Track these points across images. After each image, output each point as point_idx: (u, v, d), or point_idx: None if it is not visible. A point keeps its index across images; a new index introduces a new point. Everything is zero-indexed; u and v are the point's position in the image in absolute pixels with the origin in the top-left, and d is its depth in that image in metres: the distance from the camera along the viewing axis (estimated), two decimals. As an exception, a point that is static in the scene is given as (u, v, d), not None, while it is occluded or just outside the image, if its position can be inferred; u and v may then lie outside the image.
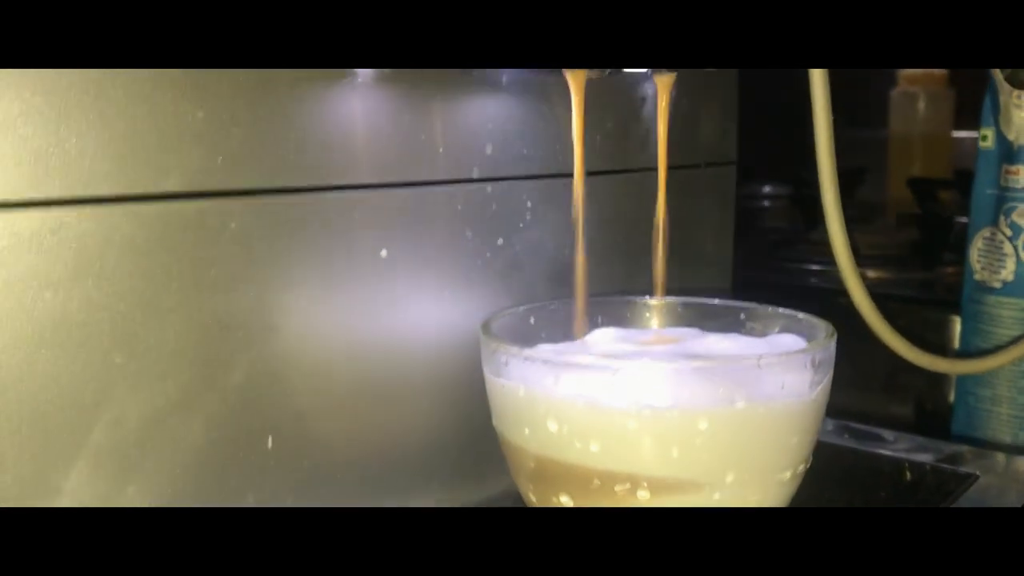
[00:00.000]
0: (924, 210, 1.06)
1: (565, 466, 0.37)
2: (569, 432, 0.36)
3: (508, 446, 0.40)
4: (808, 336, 0.42)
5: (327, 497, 0.43)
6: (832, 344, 0.39)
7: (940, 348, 0.78)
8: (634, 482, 0.36)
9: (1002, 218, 0.66)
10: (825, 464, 0.54)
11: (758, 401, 0.35)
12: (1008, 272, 0.66)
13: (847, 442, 0.58)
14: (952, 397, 0.76)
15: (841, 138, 0.52)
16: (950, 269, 0.95)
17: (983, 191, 0.68)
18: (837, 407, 0.76)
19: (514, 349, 0.38)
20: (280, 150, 0.39)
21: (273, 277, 0.40)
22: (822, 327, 0.41)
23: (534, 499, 0.40)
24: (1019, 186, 0.65)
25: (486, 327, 0.41)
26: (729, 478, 0.36)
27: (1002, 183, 0.66)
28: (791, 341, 0.43)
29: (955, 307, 0.71)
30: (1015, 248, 0.65)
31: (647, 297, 0.48)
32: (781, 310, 0.44)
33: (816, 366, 0.37)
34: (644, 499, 0.36)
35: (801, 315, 0.43)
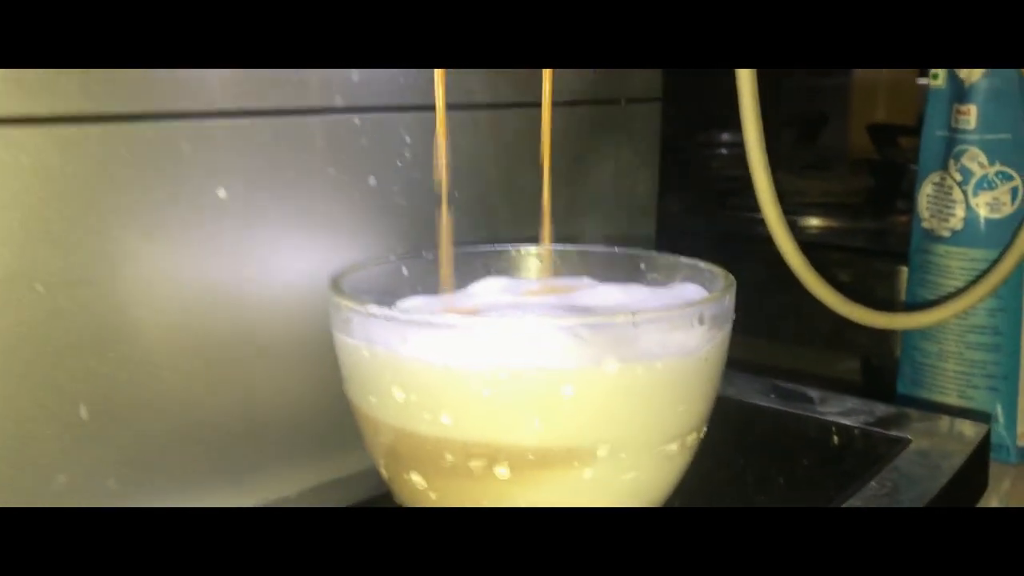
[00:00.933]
0: (882, 156, 1.01)
1: (414, 439, 0.32)
2: (417, 400, 0.31)
3: (358, 416, 0.35)
4: (711, 287, 0.37)
5: (156, 479, 0.38)
6: (728, 298, 0.34)
7: (889, 302, 0.73)
8: (491, 457, 0.31)
9: (951, 162, 0.61)
10: (744, 427, 0.50)
11: (634, 362, 0.30)
12: (957, 220, 0.61)
13: (772, 403, 0.53)
14: (899, 353, 0.73)
15: (803, 85, 0.46)
16: (902, 218, 0.90)
17: (933, 133, 0.63)
18: (774, 365, 0.72)
19: (356, 304, 0.32)
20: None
21: (85, 221, 0.34)
22: (721, 277, 0.36)
23: (386, 475, 0.35)
24: (970, 127, 0.60)
25: (337, 280, 0.36)
26: (602, 451, 0.31)
27: (952, 124, 0.61)
28: (694, 292, 0.38)
29: (905, 258, 0.68)
30: (964, 194, 0.61)
31: (538, 245, 0.42)
32: (683, 259, 0.39)
33: (707, 322, 0.32)
34: (504, 477, 0.31)
35: (703, 264, 0.38)
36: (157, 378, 0.37)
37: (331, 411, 0.42)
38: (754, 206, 0.95)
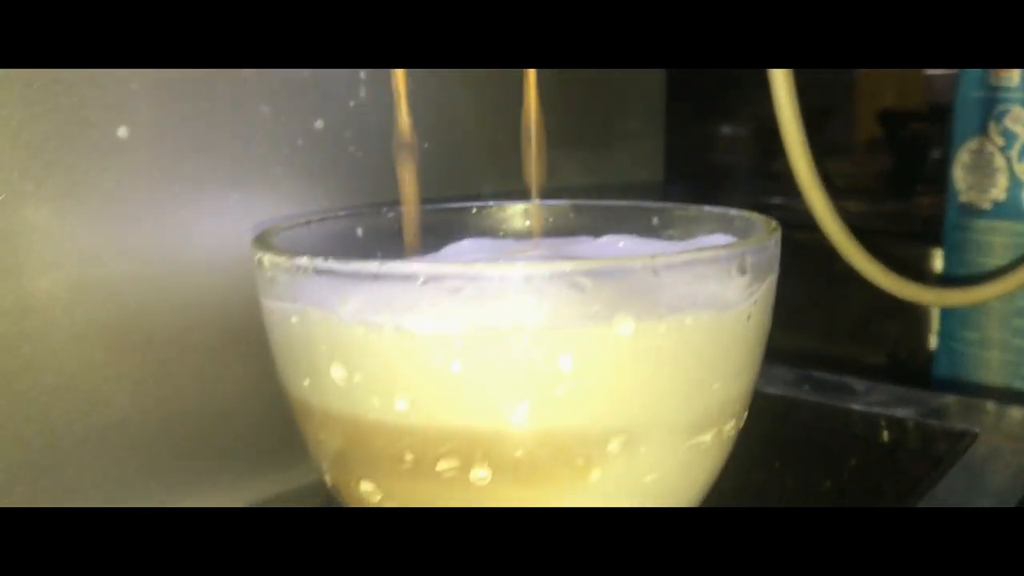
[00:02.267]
0: (896, 142, 0.95)
1: (362, 434, 0.24)
2: (363, 380, 0.23)
3: (292, 407, 0.26)
4: (747, 236, 0.29)
5: (52, 491, 0.30)
6: (773, 242, 0.26)
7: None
8: (465, 455, 0.23)
9: (992, 125, 0.54)
10: (779, 423, 0.42)
11: (655, 323, 0.22)
12: (999, 190, 0.54)
13: (808, 395, 0.45)
14: (932, 343, 0.65)
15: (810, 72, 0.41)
16: (926, 199, 0.84)
17: (968, 95, 0.56)
18: (798, 356, 0.63)
19: (282, 259, 0.24)
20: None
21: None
22: (762, 223, 0.28)
23: (332, 484, 0.26)
24: (1013, 84, 0.53)
25: (264, 234, 0.28)
26: (614, 445, 0.23)
27: (992, 82, 0.54)
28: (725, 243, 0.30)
29: (933, 239, 0.61)
30: (1008, 160, 0.53)
31: (524, 201, 0.34)
32: (707, 208, 0.31)
33: (749, 271, 0.24)
34: (482, 482, 0.23)
35: (735, 211, 0.30)
36: (52, 368, 0.29)
37: (272, 410, 0.34)
38: (759, 191, 0.88)
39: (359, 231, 0.32)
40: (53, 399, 0.29)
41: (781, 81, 0.40)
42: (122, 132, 0.30)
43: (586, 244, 0.32)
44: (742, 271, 0.24)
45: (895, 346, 0.71)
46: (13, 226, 0.28)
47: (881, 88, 1.13)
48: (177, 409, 0.32)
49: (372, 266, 0.22)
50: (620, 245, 0.30)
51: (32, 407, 0.29)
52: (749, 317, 0.24)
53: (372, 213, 0.32)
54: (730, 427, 0.26)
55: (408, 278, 0.22)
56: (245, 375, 0.33)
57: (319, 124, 0.34)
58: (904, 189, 0.87)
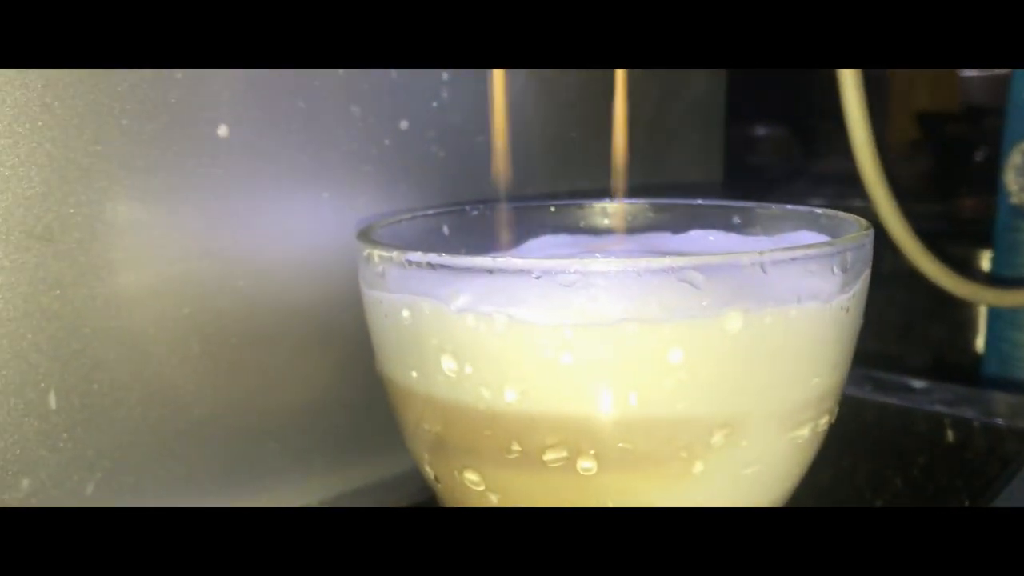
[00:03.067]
0: (937, 143, 0.95)
1: (470, 425, 0.24)
2: (474, 372, 0.24)
3: (395, 399, 0.27)
4: (836, 234, 0.29)
5: (143, 487, 0.31)
6: (868, 240, 0.26)
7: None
8: (572, 447, 0.24)
9: (1046, 127, 0.54)
10: (844, 421, 0.42)
11: (762, 316, 0.23)
12: (1054, 192, 0.54)
13: (870, 394, 0.46)
14: (979, 346, 0.65)
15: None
16: (968, 200, 0.84)
17: (1022, 95, 0.56)
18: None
19: (393, 252, 0.25)
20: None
21: (61, 168, 0.27)
22: (852, 222, 0.28)
23: (431, 474, 0.27)
24: (1070, 81, 0.53)
25: (367, 229, 0.28)
26: (717, 439, 0.24)
27: (1046, 83, 0.54)
28: (809, 240, 0.30)
29: (982, 239, 0.61)
30: (1063, 162, 0.53)
31: (606, 200, 0.35)
32: (790, 207, 0.32)
33: (847, 269, 0.25)
34: (588, 473, 0.24)
35: (820, 211, 0.30)
36: (144, 362, 0.30)
37: (365, 403, 0.35)
38: (802, 192, 0.88)
39: (445, 228, 0.33)
40: (141, 394, 0.30)
41: (850, 81, 0.41)
42: (222, 131, 0.30)
43: (671, 239, 0.32)
44: (843, 268, 0.24)
45: (941, 348, 0.71)
46: (109, 222, 0.29)
47: (917, 89, 1.13)
48: (267, 406, 0.33)
49: (487, 261, 0.23)
50: (710, 239, 0.31)
51: (124, 402, 0.30)
52: (847, 310, 0.25)
53: (456, 211, 0.33)
54: (824, 422, 0.26)
55: (523, 272, 0.23)
56: (336, 371, 0.34)
57: (404, 124, 0.35)
58: (947, 190, 0.87)
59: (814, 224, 0.30)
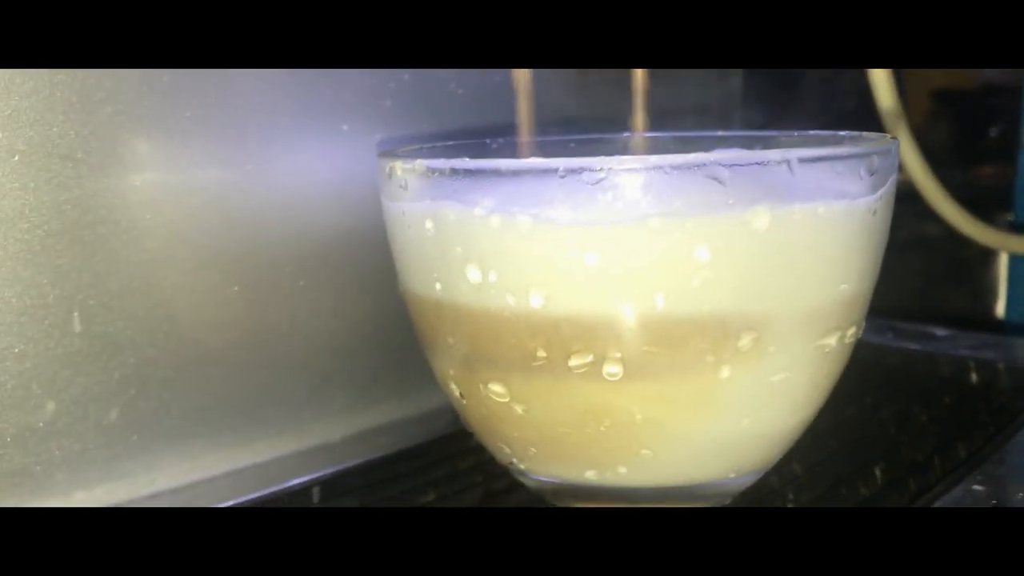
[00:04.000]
0: (952, 117, 0.94)
1: (495, 334, 0.24)
2: (499, 279, 0.24)
3: (419, 315, 0.27)
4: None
5: (167, 411, 0.31)
6: (895, 146, 0.26)
7: (983, 252, 0.65)
8: (598, 351, 0.23)
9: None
10: (870, 367, 0.42)
11: (789, 212, 0.23)
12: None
13: (893, 341, 0.45)
14: (998, 308, 0.65)
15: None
16: (987, 170, 0.83)
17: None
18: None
19: (417, 163, 0.25)
20: None
21: (82, 85, 0.27)
22: (878, 136, 0.28)
23: (456, 391, 0.27)
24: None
25: (388, 151, 0.28)
26: (745, 341, 0.23)
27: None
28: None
29: (1001, 204, 0.61)
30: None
31: (626, 133, 0.35)
32: (812, 132, 0.31)
33: (874, 173, 0.24)
34: (614, 378, 0.24)
35: (844, 133, 0.30)
36: (165, 291, 0.30)
37: (389, 339, 0.35)
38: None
39: (465, 159, 0.32)
40: (166, 324, 0.30)
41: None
42: (242, 58, 0.30)
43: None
44: (870, 171, 0.24)
45: (962, 310, 0.70)
46: (130, 145, 0.29)
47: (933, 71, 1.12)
48: (289, 339, 0.33)
49: (512, 163, 0.23)
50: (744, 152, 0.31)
51: (145, 330, 0.30)
52: (875, 212, 0.24)
53: (476, 142, 0.33)
54: (851, 333, 0.26)
55: (547, 172, 0.23)
56: (359, 303, 0.34)
57: (422, 59, 0.35)
58: (966, 159, 0.87)
59: (838, 144, 0.30)
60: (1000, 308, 0.65)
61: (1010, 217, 0.61)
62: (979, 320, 0.68)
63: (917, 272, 0.71)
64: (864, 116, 0.55)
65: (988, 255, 0.64)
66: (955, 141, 0.94)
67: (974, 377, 0.41)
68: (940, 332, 0.46)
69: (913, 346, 0.44)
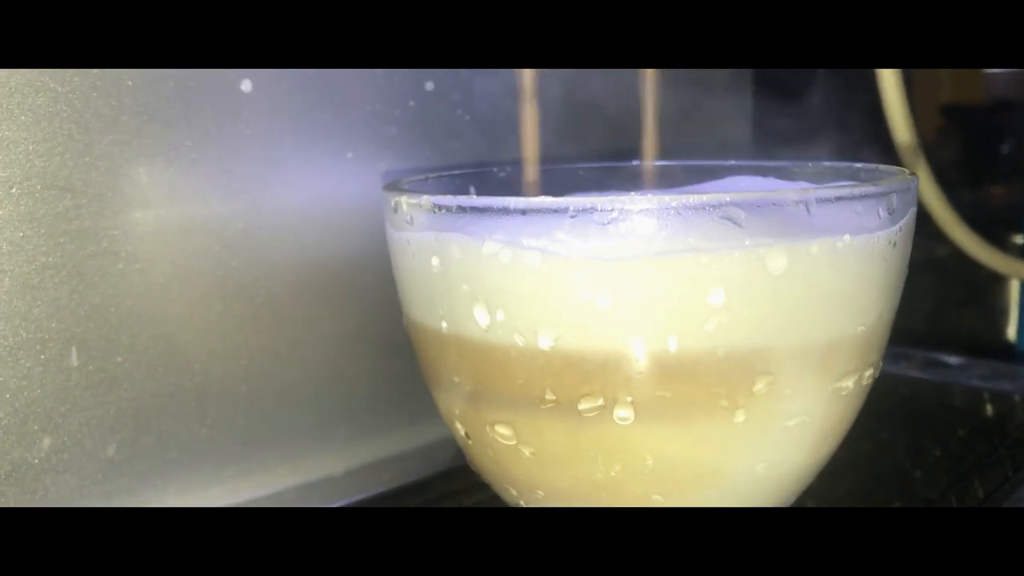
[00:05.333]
0: (962, 135, 0.94)
1: (503, 375, 0.24)
2: (507, 318, 0.23)
3: (422, 348, 0.26)
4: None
5: (165, 446, 0.30)
6: (914, 185, 0.25)
7: (994, 273, 0.65)
8: (608, 395, 0.23)
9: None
10: (882, 397, 0.41)
11: (807, 247, 0.22)
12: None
13: (906, 370, 0.45)
14: (1011, 333, 0.64)
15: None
16: (997, 190, 0.83)
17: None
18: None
19: (422, 198, 0.24)
20: None
21: (80, 118, 0.27)
22: (893, 172, 0.27)
23: (462, 431, 0.26)
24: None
25: (394, 183, 0.28)
26: (759, 386, 0.23)
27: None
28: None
29: (1012, 225, 0.61)
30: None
31: (635, 161, 0.34)
32: (827, 164, 0.31)
33: (893, 212, 0.24)
34: (625, 422, 0.23)
35: (860, 165, 0.30)
36: (165, 322, 0.30)
37: (391, 369, 0.34)
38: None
39: (472, 189, 0.32)
40: (163, 352, 0.30)
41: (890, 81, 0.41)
42: (246, 86, 0.30)
43: (708, 185, 0.32)
44: (889, 210, 0.23)
45: (974, 335, 0.70)
46: (130, 176, 0.28)
47: (943, 84, 1.11)
48: (290, 370, 0.33)
49: (520, 201, 0.22)
50: (749, 184, 0.30)
51: (143, 363, 0.29)
52: (895, 244, 0.24)
53: (482, 171, 0.32)
54: (869, 375, 0.25)
55: (557, 212, 0.22)
56: (361, 335, 0.33)
57: (430, 86, 0.34)
58: (976, 179, 0.86)
59: (853, 178, 0.29)
60: (1011, 333, 0.64)
61: (1020, 240, 0.61)
62: (989, 346, 0.67)
63: (927, 295, 0.70)
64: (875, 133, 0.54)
65: (1000, 278, 0.63)
66: (965, 160, 0.93)
67: (989, 409, 0.40)
68: (953, 360, 0.46)
69: (927, 376, 0.44)
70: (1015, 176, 0.60)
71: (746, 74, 0.52)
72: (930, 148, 0.99)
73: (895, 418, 0.39)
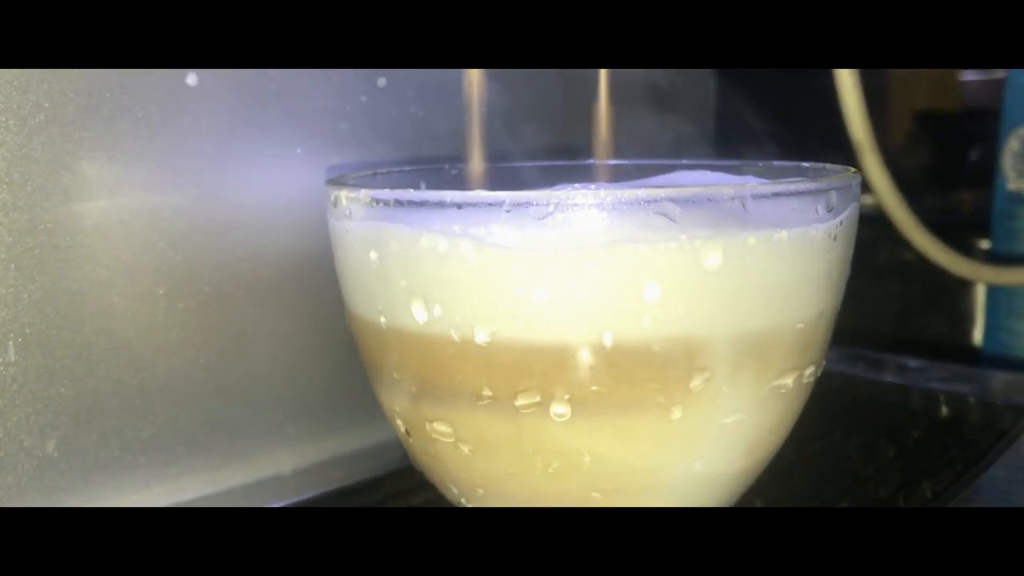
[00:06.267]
0: (932, 141, 0.95)
1: (440, 371, 0.23)
2: (444, 313, 0.23)
3: (364, 346, 0.26)
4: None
5: (107, 443, 0.30)
6: (856, 183, 0.25)
7: (963, 280, 0.65)
8: (544, 391, 0.22)
9: (1043, 110, 0.53)
10: (838, 398, 0.41)
11: (744, 244, 0.22)
12: (1051, 178, 0.53)
13: (863, 372, 0.45)
14: (977, 336, 0.64)
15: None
16: (966, 194, 0.83)
17: (1019, 81, 0.55)
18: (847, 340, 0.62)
19: (361, 192, 0.24)
20: None
21: (21, 111, 0.27)
22: (840, 170, 0.27)
23: (402, 427, 0.26)
24: (1065, 70, 0.52)
25: (338, 178, 0.27)
26: (696, 382, 0.22)
27: (1046, 63, 0.52)
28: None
29: (979, 230, 0.60)
30: (1060, 147, 0.53)
31: (588, 159, 0.34)
32: (777, 163, 0.31)
33: (832, 209, 0.24)
34: (561, 419, 0.23)
35: (808, 164, 0.30)
36: (108, 316, 0.29)
37: (339, 367, 0.34)
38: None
39: (423, 185, 0.32)
40: (108, 351, 0.29)
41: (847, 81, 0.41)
42: (191, 79, 0.30)
43: (657, 179, 0.31)
44: (828, 207, 0.23)
45: (939, 338, 0.70)
46: (72, 169, 0.28)
47: (915, 90, 1.12)
48: (238, 367, 0.32)
49: (457, 195, 0.22)
50: (708, 177, 0.30)
51: (84, 359, 0.29)
52: (835, 237, 0.24)
53: (434, 168, 0.32)
54: (810, 373, 0.25)
55: (493, 205, 0.22)
56: (309, 332, 0.33)
57: (382, 82, 0.34)
58: (945, 185, 0.87)
59: (801, 176, 0.29)
60: (977, 337, 0.64)
61: (986, 245, 0.61)
62: (955, 349, 0.68)
63: (892, 298, 0.70)
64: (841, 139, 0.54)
65: (965, 282, 0.64)
66: (933, 165, 0.94)
67: (944, 411, 0.40)
68: (912, 363, 0.46)
69: (885, 377, 0.44)
70: (981, 182, 0.61)
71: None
72: (899, 153, 0.99)
73: (851, 418, 0.39)
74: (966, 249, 0.67)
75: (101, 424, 0.29)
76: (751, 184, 0.22)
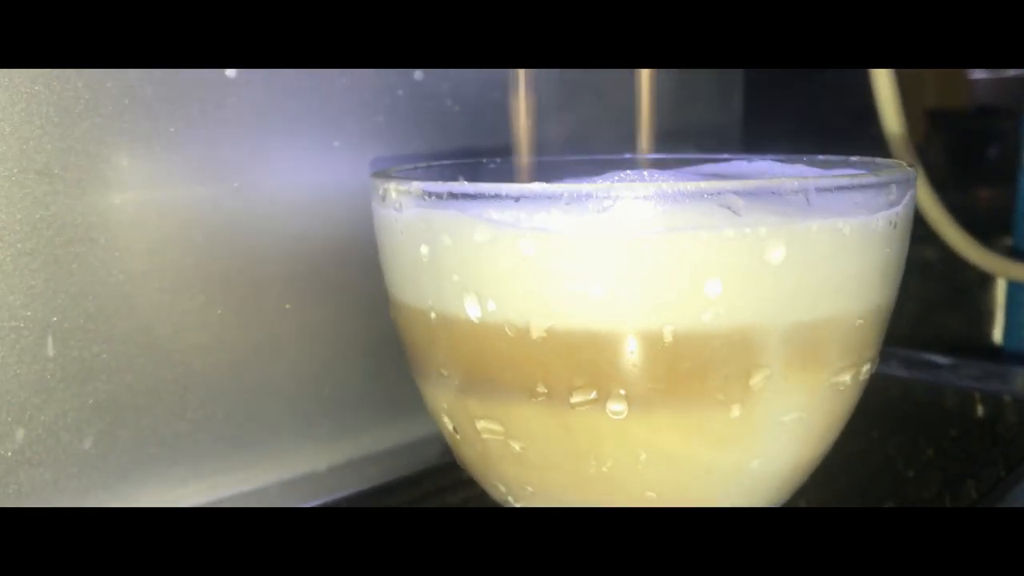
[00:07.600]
0: (948, 139, 0.95)
1: (491, 366, 0.23)
2: (498, 308, 0.22)
3: (410, 339, 0.26)
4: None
5: (144, 443, 0.29)
6: (913, 176, 0.25)
7: (981, 277, 0.65)
8: (601, 387, 0.22)
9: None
10: (871, 395, 0.41)
11: (806, 234, 0.21)
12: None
13: (896, 370, 0.44)
14: (997, 335, 0.64)
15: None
16: (986, 193, 0.83)
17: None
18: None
19: (412, 185, 0.24)
20: None
21: (62, 103, 0.26)
22: (891, 165, 0.27)
23: (450, 425, 0.26)
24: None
25: (383, 171, 0.27)
26: (756, 380, 0.22)
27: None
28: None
29: (1000, 229, 0.60)
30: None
31: (630, 154, 0.34)
32: (822, 157, 0.30)
33: (893, 203, 0.23)
34: (618, 416, 0.22)
35: (855, 158, 0.29)
36: (145, 312, 0.29)
37: (376, 363, 0.33)
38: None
39: (461, 179, 0.31)
40: (143, 344, 0.29)
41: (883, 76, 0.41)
42: (230, 72, 0.29)
43: (707, 168, 0.31)
44: (888, 200, 0.23)
45: (960, 336, 0.69)
46: (111, 161, 0.27)
47: (928, 88, 1.12)
48: (274, 363, 0.32)
49: (513, 188, 0.22)
50: (764, 166, 0.30)
51: (122, 354, 0.28)
52: (895, 227, 0.23)
53: (472, 163, 0.32)
54: (866, 370, 0.25)
55: (551, 198, 0.21)
56: (346, 329, 0.33)
57: (419, 75, 0.34)
58: (963, 183, 0.86)
59: (849, 169, 0.29)
60: (997, 334, 0.64)
61: (1009, 242, 0.60)
62: (975, 347, 0.67)
63: (912, 296, 0.70)
64: (857, 138, 0.54)
65: (986, 280, 0.63)
66: (953, 163, 0.94)
67: (980, 410, 0.40)
68: (942, 360, 0.45)
69: (918, 375, 0.43)
70: (1003, 179, 0.60)
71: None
72: (918, 150, 0.99)
73: (886, 417, 0.39)
74: (987, 247, 0.67)
75: (137, 421, 0.29)
76: (814, 176, 0.21)
